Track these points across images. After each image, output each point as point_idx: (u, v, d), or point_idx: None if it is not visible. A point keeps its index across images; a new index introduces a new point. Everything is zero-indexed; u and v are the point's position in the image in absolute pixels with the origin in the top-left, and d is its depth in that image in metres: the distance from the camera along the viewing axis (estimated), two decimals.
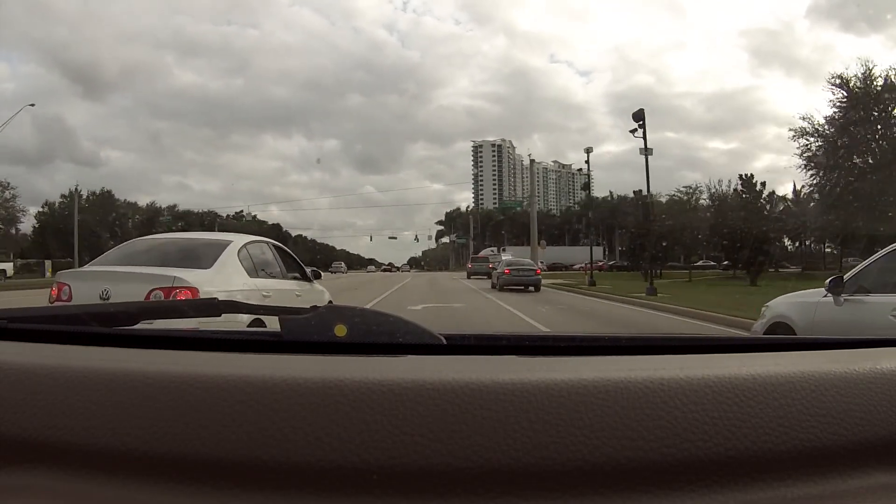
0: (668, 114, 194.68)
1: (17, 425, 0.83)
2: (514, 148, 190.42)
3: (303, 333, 1.10)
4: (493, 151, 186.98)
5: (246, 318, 5.73)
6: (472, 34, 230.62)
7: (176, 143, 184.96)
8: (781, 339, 1.27)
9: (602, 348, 1.21)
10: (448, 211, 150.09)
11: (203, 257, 7.33)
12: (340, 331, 1.08)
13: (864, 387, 0.89)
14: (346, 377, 0.84)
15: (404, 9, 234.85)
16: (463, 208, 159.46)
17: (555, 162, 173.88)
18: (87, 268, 7.68)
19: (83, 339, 1.12)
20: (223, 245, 7.65)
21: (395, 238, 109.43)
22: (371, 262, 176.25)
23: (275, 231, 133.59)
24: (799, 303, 6.82)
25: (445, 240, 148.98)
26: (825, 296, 6.25)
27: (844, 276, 6.29)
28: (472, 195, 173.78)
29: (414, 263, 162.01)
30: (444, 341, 1.11)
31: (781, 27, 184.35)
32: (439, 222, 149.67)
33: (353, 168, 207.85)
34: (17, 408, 0.84)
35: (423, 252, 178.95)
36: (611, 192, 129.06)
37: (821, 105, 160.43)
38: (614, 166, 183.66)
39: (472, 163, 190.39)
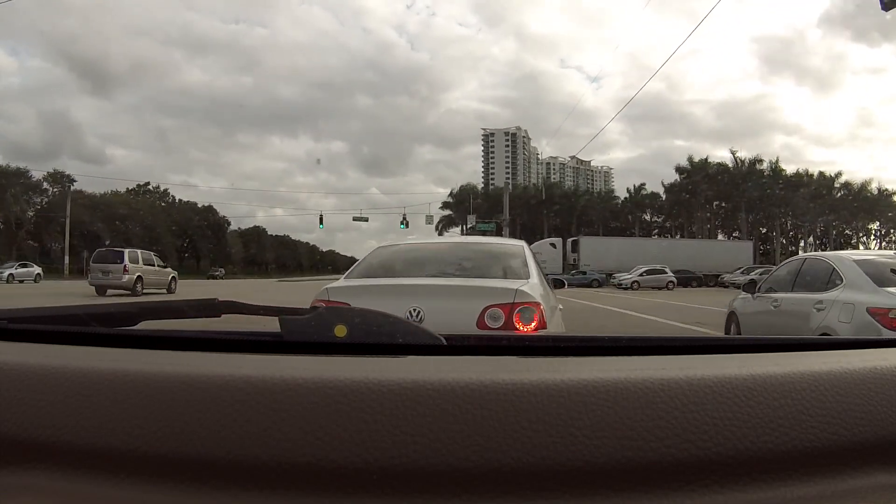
0: (677, 121, 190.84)
1: (17, 425, 0.83)
2: (529, 139, 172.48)
3: (303, 334, 1.10)
4: (507, 140, 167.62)
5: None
6: (482, 37, 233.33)
7: (182, 141, 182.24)
8: (781, 339, 1.27)
9: (602, 349, 1.21)
10: (458, 187, 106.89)
11: (510, 266, 6.18)
12: (341, 331, 1.08)
13: (864, 387, 0.89)
14: (346, 377, 0.84)
15: (414, 10, 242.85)
16: (479, 187, 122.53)
17: (572, 157, 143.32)
18: (366, 282, 6.03)
19: (83, 339, 1.12)
20: (520, 250, 6.60)
21: (366, 220, 78.54)
22: None
23: (207, 215, 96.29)
24: (740, 298, 10.52)
25: (455, 231, 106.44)
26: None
27: (758, 281, 10.32)
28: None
29: None
30: (445, 342, 1.11)
31: (794, 35, 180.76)
32: (445, 205, 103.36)
33: (360, 170, 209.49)
34: (18, 408, 0.84)
35: None
36: (736, 153, 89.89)
37: (829, 115, 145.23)
38: (623, 172, 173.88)
39: (482, 152, 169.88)
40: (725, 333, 10.70)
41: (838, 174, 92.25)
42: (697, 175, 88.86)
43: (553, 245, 64.08)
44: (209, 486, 0.76)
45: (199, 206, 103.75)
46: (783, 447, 0.81)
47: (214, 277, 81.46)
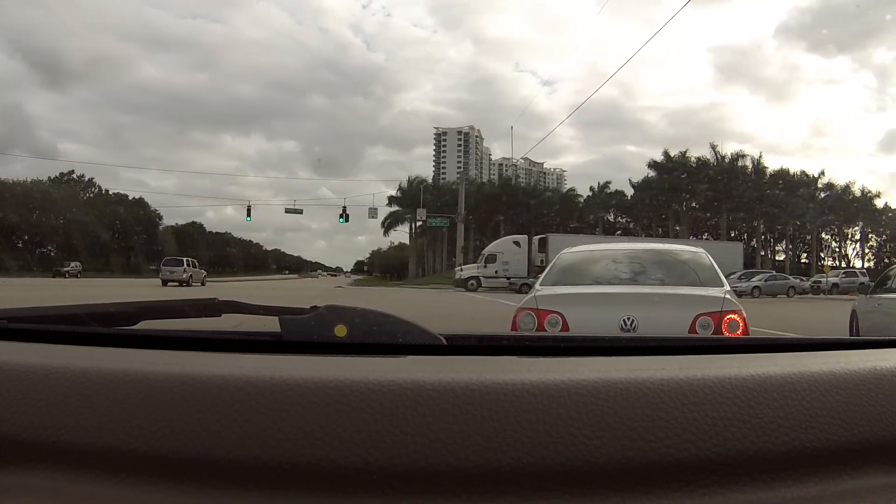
0: (631, 127, 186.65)
1: (17, 425, 0.83)
2: (482, 139, 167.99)
3: (303, 334, 1.11)
4: (459, 139, 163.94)
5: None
6: (438, 38, 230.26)
7: (135, 138, 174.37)
8: (781, 339, 1.30)
9: (602, 349, 1.22)
10: (406, 180, 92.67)
11: (703, 273, 6.29)
12: (341, 331, 1.09)
13: (864, 387, 0.89)
14: (346, 377, 0.84)
15: (370, 10, 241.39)
16: (430, 179, 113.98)
17: (525, 159, 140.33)
18: (576, 290, 6.14)
19: (83, 339, 1.12)
20: (706, 256, 6.68)
21: (300, 212, 73.58)
22: (318, 266, 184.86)
23: (137, 209, 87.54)
24: (859, 298, 13.61)
25: (402, 230, 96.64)
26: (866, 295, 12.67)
27: (872, 285, 12.97)
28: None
29: (360, 268, 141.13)
30: (445, 342, 1.12)
31: (749, 45, 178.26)
32: (393, 199, 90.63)
33: (311, 170, 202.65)
34: (18, 408, 0.84)
35: (373, 252, 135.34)
36: (716, 147, 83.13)
37: (783, 124, 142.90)
38: (575, 177, 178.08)
39: (434, 151, 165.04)
40: (849, 330, 12.70)
41: (821, 173, 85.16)
42: (678, 170, 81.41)
43: (517, 243, 54.56)
44: (209, 486, 0.77)
45: (130, 198, 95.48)
46: (783, 447, 0.81)
47: (62, 275, 61.15)
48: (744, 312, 5.32)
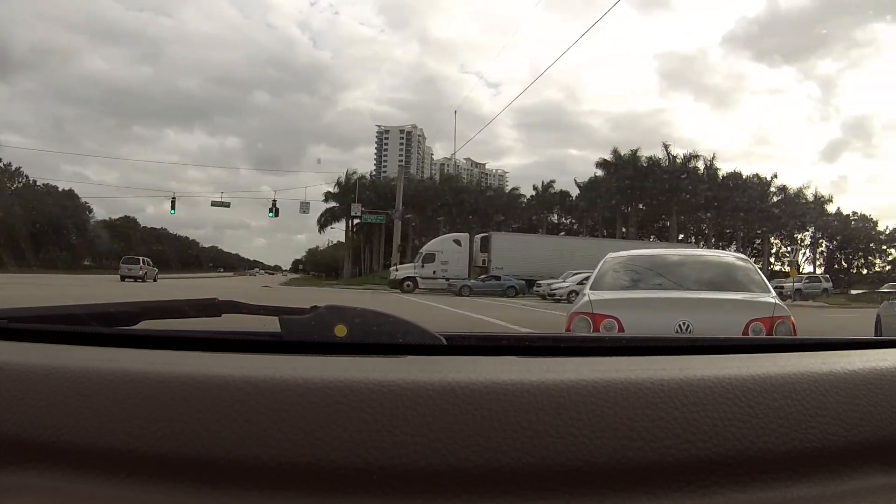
0: (574, 131, 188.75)
1: (17, 425, 0.83)
2: (424, 138, 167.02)
3: (303, 334, 1.11)
4: (402, 138, 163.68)
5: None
6: (385, 38, 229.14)
7: (78, 130, 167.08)
8: (781, 339, 1.32)
9: (602, 349, 1.23)
10: (345, 175, 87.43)
11: (750, 279, 6.36)
12: (341, 331, 1.09)
13: (864, 387, 0.90)
14: (346, 378, 0.84)
15: (318, 7, 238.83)
16: (370, 173, 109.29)
17: (467, 160, 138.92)
18: (632, 294, 6.28)
19: (83, 339, 1.12)
20: (749, 263, 6.92)
21: (227, 206, 68.22)
22: (256, 264, 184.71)
23: (66, 200, 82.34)
24: (884, 303, 14.38)
25: (340, 228, 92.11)
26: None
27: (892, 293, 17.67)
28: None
29: (297, 267, 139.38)
30: (445, 342, 1.12)
31: (695, 53, 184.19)
32: (330, 195, 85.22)
33: (252, 166, 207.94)
34: (18, 408, 0.84)
35: (309, 251, 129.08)
36: (669, 146, 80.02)
37: (726, 131, 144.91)
38: (517, 179, 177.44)
39: (376, 149, 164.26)
40: (874, 332, 13.49)
41: (774, 176, 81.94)
42: (627, 170, 76.63)
43: (457, 242, 50.87)
44: (209, 486, 0.77)
45: (60, 190, 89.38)
46: (783, 447, 0.81)
47: None
48: (793, 318, 5.45)
